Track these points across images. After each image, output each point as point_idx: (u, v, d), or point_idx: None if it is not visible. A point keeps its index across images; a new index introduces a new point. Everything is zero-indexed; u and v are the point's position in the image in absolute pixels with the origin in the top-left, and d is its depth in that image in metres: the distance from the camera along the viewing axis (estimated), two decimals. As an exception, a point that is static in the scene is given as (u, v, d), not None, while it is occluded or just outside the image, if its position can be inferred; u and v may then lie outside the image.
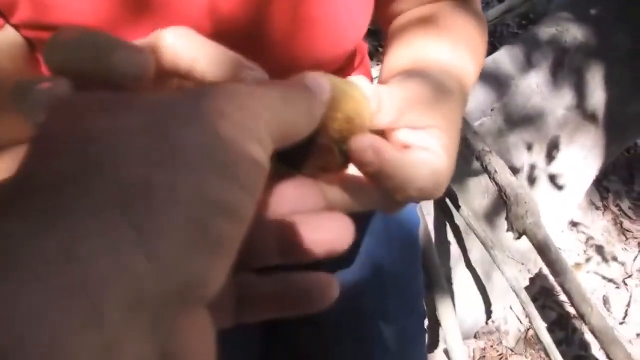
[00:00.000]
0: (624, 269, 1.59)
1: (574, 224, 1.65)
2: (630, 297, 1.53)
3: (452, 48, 0.43)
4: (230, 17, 0.41)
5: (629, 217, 1.72)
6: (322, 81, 0.22)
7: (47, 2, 0.39)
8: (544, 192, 1.04)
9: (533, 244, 0.69)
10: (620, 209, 1.74)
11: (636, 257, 1.62)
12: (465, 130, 0.82)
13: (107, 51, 0.20)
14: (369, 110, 0.24)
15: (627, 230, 1.69)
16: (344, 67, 0.53)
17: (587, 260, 1.58)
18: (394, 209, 0.28)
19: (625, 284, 1.56)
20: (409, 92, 0.29)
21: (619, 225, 1.70)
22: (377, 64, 1.56)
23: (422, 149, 0.28)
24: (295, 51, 0.44)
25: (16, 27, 0.42)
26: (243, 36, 0.42)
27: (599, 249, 1.61)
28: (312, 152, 0.23)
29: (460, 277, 0.97)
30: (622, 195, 1.77)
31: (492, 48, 2.69)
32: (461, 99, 0.36)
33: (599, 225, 1.68)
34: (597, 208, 1.73)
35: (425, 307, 0.74)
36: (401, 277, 0.67)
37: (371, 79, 0.61)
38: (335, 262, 0.54)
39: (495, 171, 0.73)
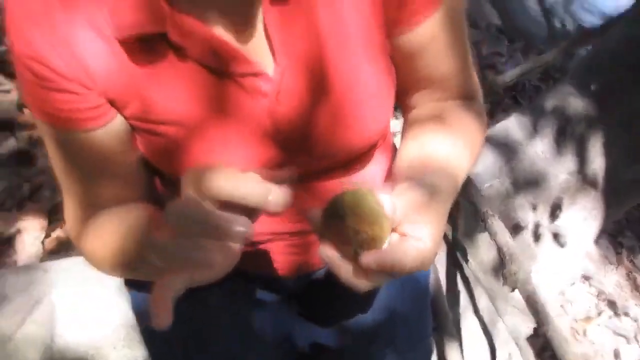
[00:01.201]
0: (636, 324, 1.69)
1: (586, 278, 1.77)
2: (642, 352, 1.63)
3: (452, 143, 0.61)
4: (284, 119, 0.59)
5: (643, 273, 1.83)
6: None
7: (152, 104, 0.57)
8: (548, 248, 1.19)
9: (522, 296, 0.83)
10: (634, 264, 1.85)
11: (648, 312, 1.72)
12: (474, 194, 0.98)
13: (241, 184, 0.38)
14: (386, 218, 0.44)
15: (641, 286, 1.80)
16: (372, 147, 0.69)
17: (599, 314, 1.69)
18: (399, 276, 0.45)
19: (637, 340, 1.66)
20: (412, 201, 0.47)
21: (632, 280, 1.81)
22: (397, 118, 1.73)
23: (415, 239, 0.44)
24: (333, 145, 0.61)
25: (125, 117, 0.59)
26: (294, 132, 0.59)
27: (611, 304, 1.72)
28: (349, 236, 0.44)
29: (469, 324, 1.11)
30: (636, 251, 1.88)
31: (514, 102, 2.84)
32: (451, 192, 0.55)
33: (612, 279, 1.80)
34: (610, 263, 1.85)
35: (433, 348, 0.88)
36: (410, 318, 0.82)
37: (391, 150, 0.79)
38: (354, 303, 0.71)
39: (496, 232, 0.88)
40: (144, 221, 0.58)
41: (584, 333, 1.63)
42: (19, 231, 1.56)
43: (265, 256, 0.74)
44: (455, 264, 1.08)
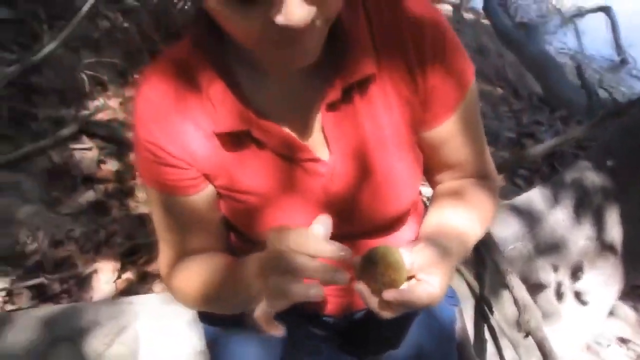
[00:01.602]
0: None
1: (623, 341, 1.84)
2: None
3: (466, 214, 0.80)
4: (336, 194, 0.80)
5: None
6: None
7: (237, 179, 0.79)
8: (571, 307, 1.32)
9: (535, 341, 0.98)
10: (671, 329, 1.91)
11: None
12: (496, 255, 1.15)
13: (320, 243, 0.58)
14: (405, 270, 0.61)
15: (679, 350, 1.84)
16: (404, 216, 0.89)
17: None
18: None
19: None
20: (428, 257, 0.66)
21: (669, 345, 1.87)
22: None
23: (427, 284, 0.63)
24: (373, 215, 0.81)
25: (215, 187, 0.80)
26: (343, 205, 0.80)
27: (651, 367, 1.78)
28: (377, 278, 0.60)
29: (494, 372, 1.24)
30: (672, 316, 1.94)
31: (551, 169, 2.95)
32: (460, 253, 0.76)
33: (649, 343, 1.86)
34: (647, 327, 1.92)
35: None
36: (436, 356, 0.97)
37: (422, 215, 0.97)
38: (388, 339, 0.89)
39: (513, 287, 1.04)
40: (229, 262, 0.79)
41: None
42: (95, 271, 1.79)
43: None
44: (482, 316, 1.22)
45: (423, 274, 0.67)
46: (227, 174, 0.78)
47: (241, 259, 0.74)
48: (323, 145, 0.78)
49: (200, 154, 0.76)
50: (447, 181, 0.90)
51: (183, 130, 0.75)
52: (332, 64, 0.72)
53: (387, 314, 0.67)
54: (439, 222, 0.80)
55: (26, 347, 1.13)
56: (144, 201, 2.06)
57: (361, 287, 0.66)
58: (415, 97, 0.78)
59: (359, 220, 0.70)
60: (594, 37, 7.38)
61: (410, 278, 0.67)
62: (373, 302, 0.66)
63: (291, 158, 0.77)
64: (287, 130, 0.75)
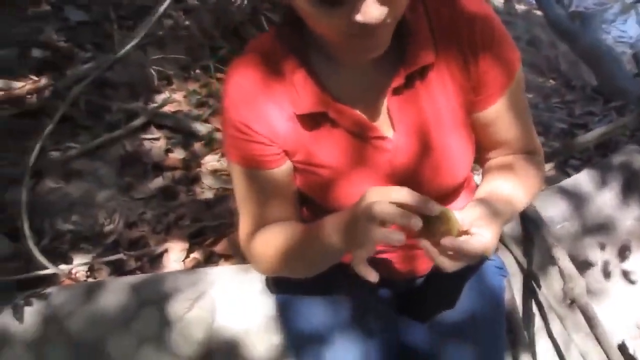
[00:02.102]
0: None
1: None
2: None
3: (513, 183, 0.90)
4: (400, 167, 0.92)
5: None
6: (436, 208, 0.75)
7: (313, 154, 0.92)
8: (619, 286, 1.39)
9: (578, 306, 1.06)
10: None
11: None
12: (543, 231, 1.24)
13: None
14: (458, 224, 0.76)
15: None
16: (458, 188, 1.00)
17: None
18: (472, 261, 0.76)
19: None
20: (479, 213, 0.78)
21: None
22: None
23: (479, 235, 0.75)
24: (432, 186, 0.95)
25: (293, 162, 0.94)
26: (406, 177, 0.92)
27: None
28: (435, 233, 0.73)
29: (542, 345, 1.33)
30: None
31: (603, 159, 2.94)
32: (507, 215, 0.90)
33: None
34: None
35: (506, 348, 1.12)
36: (488, 319, 1.07)
37: (473, 192, 1.08)
38: (444, 303, 1.02)
39: (559, 258, 1.13)
40: (309, 226, 0.92)
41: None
42: (166, 250, 1.97)
43: (386, 262, 1.05)
44: (530, 291, 1.32)
45: (475, 228, 0.79)
46: (305, 150, 0.92)
47: (322, 220, 0.88)
48: (388, 125, 0.91)
49: (282, 132, 0.90)
50: (497, 157, 1.01)
51: (268, 111, 0.89)
52: (397, 54, 0.85)
53: (448, 264, 0.79)
54: (489, 189, 0.92)
55: (118, 310, 1.31)
56: (208, 187, 2.22)
57: (424, 242, 0.79)
58: (468, 83, 0.90)
59: (419, 191, 0.82)
60: (658, 25, 7.14)
61: (464, 233, 0.79)
62: (434, 252, 0.79)
63: (361, 136, 0.90)
64: (358, 112, 0.88)
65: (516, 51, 0.93)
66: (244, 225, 1.03)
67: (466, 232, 0.80)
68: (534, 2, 6.40)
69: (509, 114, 0.95)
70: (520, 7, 6.69)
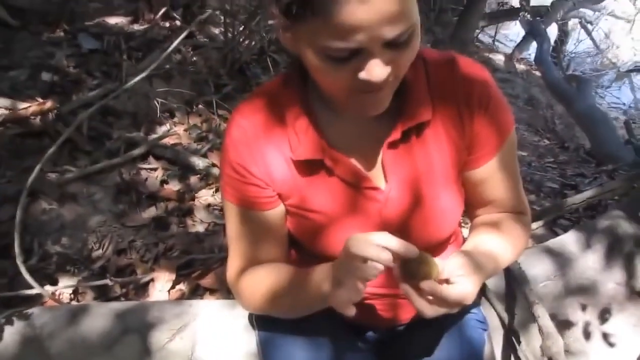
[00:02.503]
0: None
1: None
2: None
3: (499, 241, 0.93)
4: (390, 218, 0.96)
5: None
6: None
7: (307, 199, 0.95)
8: (599, 347, 1.40)
9: (555, 366, 1.08)
10: None
11: None
12: (526, 288, 1.26)
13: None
14: (438, 271, 0.78)
15: None
16: (446, 241, 1.03)
17: None
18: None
19: None
20: (461, 263, 0.80)
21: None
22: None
23: (460, 284, 0.79)
24: (421, 238, 0.97)
25: (286, 205, 0.97)
26: (395, 227, 0.95)
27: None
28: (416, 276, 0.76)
29: (521, 401, 1.33)
30: None
31: (591, 218, 2.98)
32: (489, 270, 0.92)
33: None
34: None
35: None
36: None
37: (460, 242, 1.11)
38: (424, 352, 1.02)
39: (539, 316, 1.15)
40: (297, 269, 0.95)
41: None
42: (152, 280, 1.97)
43: (370, 308, 1.07)
44: (510, 346, 1.33)
45: (455, 277, 0.81)
46: (300, 195, 0.95)
47: (313, 267, 0.92)
48: (381, 176, 0.94)
49: (278, 176, 0.93)
50: (485, 215, 1.04)
51: (267, 154, 0.92)
52: (396, 109, 0.89)
53: (426, 309, 0.81)
54: (474, 243, 0.94)
55: (100, 334, 1.31)
56: (200, 221, 2.24)
57: (404, 286, 0.81)
58: (462, 141, 0.94)
59: (407, 241, 0.85)
60: (650, 93, 7.34)
61: (444, 282, 0.81)
62: (415, 297, 0.81)
63: (355, 185, 0.93)
64: (353, 161, 0.92)
65: (510, 115, 0.98)
66: (233, 262, 1.05)
67: (447, 281, 0.82)
68: (533, 62, 6.60)
69: (500, 174, 0.99)
70: (520, 67, 6.88)
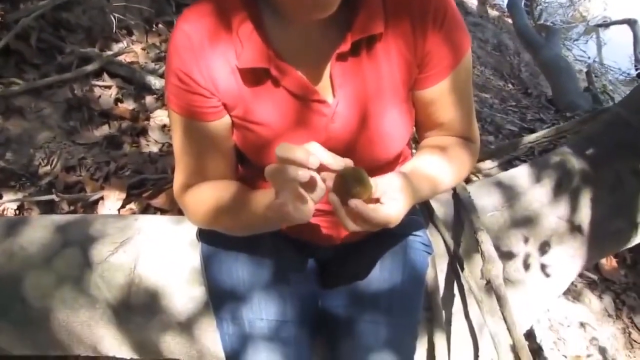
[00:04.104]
0: (623, 372, 1.87)
1: (582, 325, 1.97)
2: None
3: (442, 165, 0.91)
4: (335, 133, 0.93)
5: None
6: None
7: (251, 110, 0.90)
8: (536, 277, 1.44)
9: (492, 286, 1.09)
10: (632, 322, 2.04)
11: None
12: (473, 216, 1.26)
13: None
14: (370, 193, 0.77)
15: (635, 341, 1.97)
16: (393, 162, 1.00)
17: (588, 356, 1.88)
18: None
19: (619, 386, 1.83)
20: (391, 184, 0.80)
21: (627, 335, 2.00)
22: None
23: (387, 207, 0.78)
24: (366, 156, 0.94)
25: (231, 116, 0.92)
26: (341, 143, 0.92)
27: (602, 350, 1.91)
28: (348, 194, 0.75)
29: (457, 325, 1.36)
30: (636, 310, 2.07)
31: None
32: (425, 194, 0.92)
33: (608, 331, 1.98)
34: (609, 316, 2.04)
35: (420, 320, 1.14)
36: (406, 293, 1.09)
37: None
38: (363, 271, 1.02)
39: (482, 242, 1.15)
40: (243, 187, 0.95)
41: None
42: (102, 198, 1.92)
43: (311, 226, 1.05)
44: (453, 272, 1.34)
45: (386, 197, 0.79)
46: (245, 106, 0.90)
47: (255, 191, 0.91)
48: (329, 90, 0.90)
49: (223, 85, 0.88)
50: (435, 136, 1.02)
51: (212, 62, 0.87)
52: (347, 22, 0.84)
53: (349, 225, 0.79)
54: (413, 165, 0.92)
55: (39, 246, 1.27)
56: (154, 141, 2.17)
57: (333, 197, 0.78)
58: (414, 59, 0.90)
59: (353, 160, 0.82)
60: (616, 50, 7.40)
61: (375, 201, 0.79)
62: (341, 212, 0.78)
63: (302, 98, 0.89)
64: (300, 73, 0.87)
65: (467, 36, 0.93)
66: (179, 175, 1.01)
67: (377, 200, 0.80)
68: (505, 9, 6.52)
69: (452, 96, 0.95)
70: (492, 12, 6.80)
